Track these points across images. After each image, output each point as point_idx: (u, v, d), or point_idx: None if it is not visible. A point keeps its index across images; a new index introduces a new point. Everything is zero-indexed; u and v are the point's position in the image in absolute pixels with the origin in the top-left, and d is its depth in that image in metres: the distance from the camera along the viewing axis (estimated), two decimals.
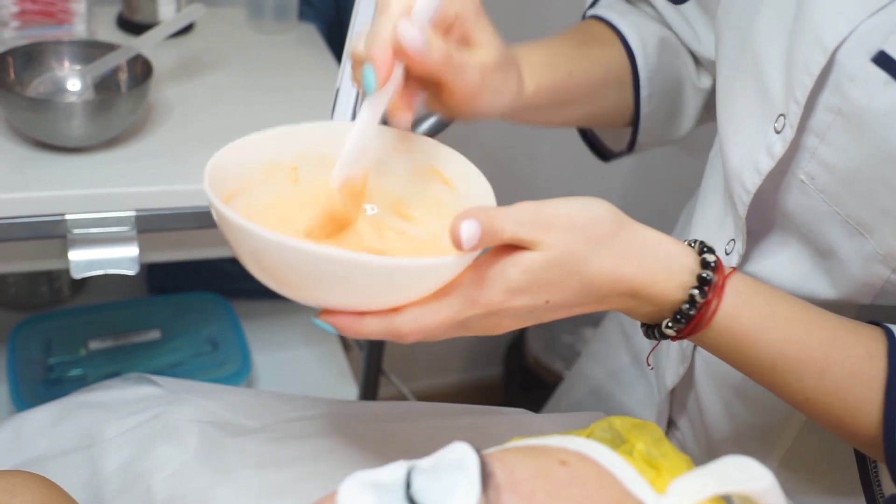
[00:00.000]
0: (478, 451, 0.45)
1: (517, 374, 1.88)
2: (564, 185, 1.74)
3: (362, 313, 0.53)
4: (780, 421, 0.71)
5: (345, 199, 0.60)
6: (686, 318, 0.57)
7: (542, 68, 0.71)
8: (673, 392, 0.81)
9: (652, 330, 0.60)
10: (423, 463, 0.45)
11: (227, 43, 1.19)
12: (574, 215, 0.54)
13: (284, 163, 0.62)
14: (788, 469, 0.72)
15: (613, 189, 1.81)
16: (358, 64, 0.58)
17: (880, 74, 0.56)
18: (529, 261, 0.53)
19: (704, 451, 0.79)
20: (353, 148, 0.59)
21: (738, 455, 0.44)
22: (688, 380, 0.78)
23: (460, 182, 0.61)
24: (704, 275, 0.56)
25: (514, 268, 0.53)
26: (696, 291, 0.56)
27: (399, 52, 0.55)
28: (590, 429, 0.49)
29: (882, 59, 0.56)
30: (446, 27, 0.59)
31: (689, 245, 0.58)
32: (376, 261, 0.50)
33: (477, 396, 1.96)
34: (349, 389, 1.29)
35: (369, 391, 1.25)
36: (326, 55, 1.22)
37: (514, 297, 0.54)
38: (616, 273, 0.55)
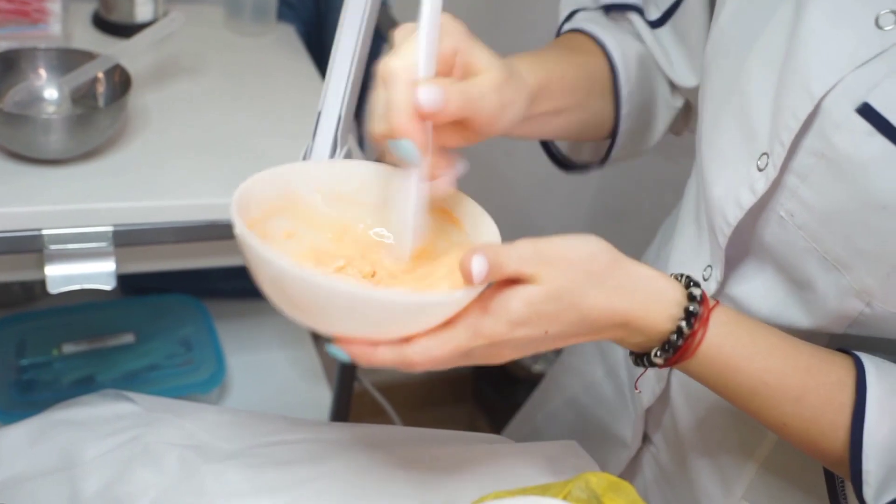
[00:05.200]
0: None
1: (487, 368, 1.90)
2: (540, 181, 1.75)
3: (375, 343, 0.56)
4: (754, 438, 0.74)
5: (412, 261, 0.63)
6: (673, 348, 0.61)
7: (538, 73, 0.72)
8: (648, 409, 0.83)
9: (641, 358, 0.64)
10: None
11: (206, 45, 1.18)
12: (571, 251, 0.58)
13: (302, 196, 0.65)
14: (762, 483, 0.75)
15: (587, 185, 1.82)
16: (382, 140, 0.59)
17: (864, 125, 0.58)
18: (530, 294, 0.57)
19: (678, 466, 0.82)
20: (416, 221, 0.61)
21: None
22: (664, 398, 0.80)
23: (468, 222, 0.64)
24: (691, 308, 0.60)
25: (516, 300, 0.57)
26: (683, 323, 0.60)
27: (423, 115, 0.56)
28: (567, 488, 0.51)
29: (866, 111, 0.58)
30: (448, 66, 0.60)
31: (676, 279, 0.62)
32: (392, 295, 0.54)
33: (446, 389, 1.98)
34: (322, 392, 1.30)
35: (343, 393, 1.26)
36: (305, 59, 1.21)
37: (516, 328, 0.57)
38: (611, 306, 0.59)
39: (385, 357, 0.56)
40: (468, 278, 0.55)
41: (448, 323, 0.57)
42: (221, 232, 0.92)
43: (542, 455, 0.76)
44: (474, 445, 0.78)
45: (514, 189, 1.79)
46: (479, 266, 0.55)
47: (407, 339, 0.56)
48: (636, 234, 1.72)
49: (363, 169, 0.67)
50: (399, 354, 0.56)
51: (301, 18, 1.30)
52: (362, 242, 0.66)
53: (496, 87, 0.60)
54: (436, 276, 0.62)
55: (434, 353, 0.56)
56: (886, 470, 0.59)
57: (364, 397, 1.41)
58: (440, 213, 0.65)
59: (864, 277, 0.61)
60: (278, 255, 0.54)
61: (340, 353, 0.57)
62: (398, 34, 0.60)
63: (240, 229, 0.56)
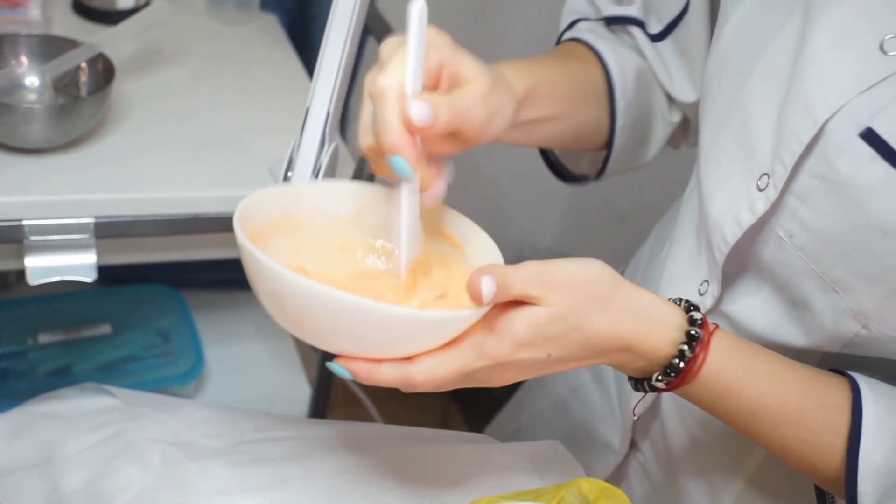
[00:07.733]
0: None
1: None
2: (516, 174, 1.75)
3: (378, 360, 0.56)
4: (742, 450, 0.74)
5: (413, 276, 0.63)
6: (676, 372, 0.61)
7: (525, 79, 0.72)
8: (637, 418, 0.83)
9: (641, 383, 0.64)
10: None
11: (188, 34, 1.16)
12: (575, 274, 0.58)
13: (303, 218, 0.65)
14: (750, 495, 0.75)
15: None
16: (375, 155, 0.59)
17: (867, 150, 0.58)
18: (535, 315, 0.57)
19: (666, 475, 0.82)
20: (408, 236, 0.61)
21: None
22: (654, 408, 0.80)
23: (468, 245, 0.65)
24: (693, 331, 0.61)
25: (521, 322, 0.57)
26: (685, 347, 0.60)
27: (413, 130, 0.56)
28: (560, 494, 0.51)
29: (869, 136, 0.58)
30: (435, 79, 0.60)
31: (676, 303, 0.62)
32: (399, 311, 0.53)
33: None
34: (301, 384, 1.30)
35: (323, 386, 1.26)
36: (288, 49, 1.20)
37: (520, 350, 0.58)
38: (613, 330, 0.59)
39: (388, 375, 0.56)
40: (477, 298, 0.55)
41: (452, 342, 0.57)
42: (204, 225, 0.92)
43: (526, 455, 0.77)
44: (459, 445, 0.78)
45: (489, 181, 1.79)
46: (487, 287, 0.55)
47: (410, 358, 0.56)
48: (613, 228, 1.74)
49: (362, 190, 0.67)
50: (402, 373, 0.56)
51: (284, 8, 1.29)
52: (363, 264, 0.66)
53: (483, 96, 0.60)
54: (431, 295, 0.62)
55: (437, 372, 0.56)
56: (881, 492, 0.59)
57: (339, 387, 1.41)
58: (439, 235, 0.65)
59: (861, 299, 0.61)
60: (283, 267, 0.53)
61: (342, 370, 0.57)
62: (385, 48, 0.60)
63: (241, 239, 0.55)
